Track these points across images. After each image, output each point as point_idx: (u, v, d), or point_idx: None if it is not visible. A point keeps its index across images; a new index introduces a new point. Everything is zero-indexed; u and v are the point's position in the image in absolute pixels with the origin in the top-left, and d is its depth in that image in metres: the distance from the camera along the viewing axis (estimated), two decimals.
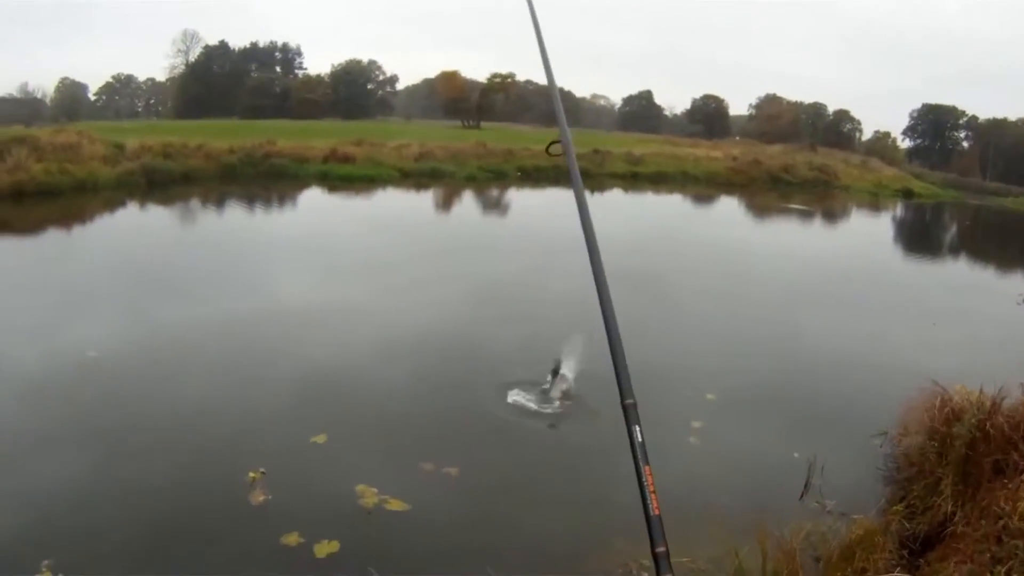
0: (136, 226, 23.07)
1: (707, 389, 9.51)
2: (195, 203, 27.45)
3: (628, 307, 12.23)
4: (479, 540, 6.31)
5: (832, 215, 35.64)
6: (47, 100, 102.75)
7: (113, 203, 25.58)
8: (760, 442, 8.28)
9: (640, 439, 2.51)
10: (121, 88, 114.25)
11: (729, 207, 34.34)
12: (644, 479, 2.40)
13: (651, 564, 2.24)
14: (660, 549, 2.25)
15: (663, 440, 8.13)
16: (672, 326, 12.60)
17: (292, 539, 5.98)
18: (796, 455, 7.60)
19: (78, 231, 21.72)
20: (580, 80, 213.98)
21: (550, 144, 3.74)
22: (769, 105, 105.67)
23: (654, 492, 2.34)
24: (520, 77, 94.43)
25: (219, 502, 6.65)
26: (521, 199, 32.81)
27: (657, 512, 2.30)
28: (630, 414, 2.58)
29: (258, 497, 6.61)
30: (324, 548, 5.89)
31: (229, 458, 7.38)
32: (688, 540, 5.68)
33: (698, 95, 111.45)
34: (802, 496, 6.89)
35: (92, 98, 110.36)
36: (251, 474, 6.93)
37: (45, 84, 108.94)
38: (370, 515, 6.48)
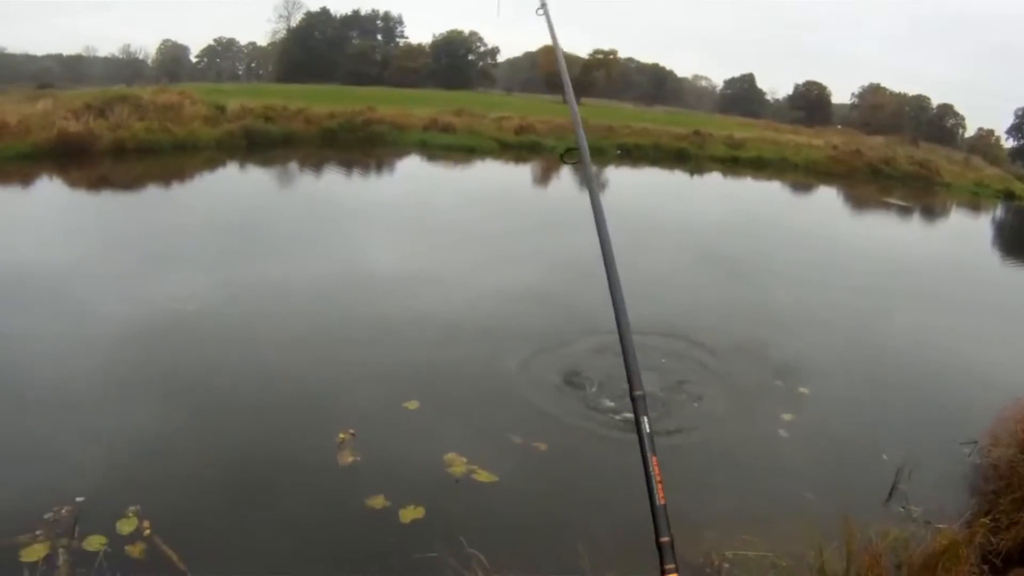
0: (235, 185, 23.66)
1: (800, 382, 9.35)
2: (294, 166, 27.90)
3: (724, 290, 12.16)
4: (565, 515, 6.30)
5: (932, 212, 34.55)
6: (149, 61, 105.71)
7: (213, 163, 26.17)
8: (850, 440, 8.10)
9: (648, 430, 2.56)
10: (222, 51, 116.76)
11: (828, 197, 33.57)
12: (651, 469, 2.46)
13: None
14: (664, 539, 2.31)
15: (753, 430, 8.08)
16: (767, 315, 12.38)
17: (378, 502, 6.04)
18: (885, 457, 7.43)
19: (178, 188, 22.31)
20: (682, 59, 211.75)
21: (565, 151, 3.80)
22: (872, 95, 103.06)
23: (660, 482, 2.40)
24: (622, 54, 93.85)
25: (307, 460, 6.75)
26: (619, 177, 32.54)
27: (663, 502, 2.36)
28: (639, 405, 2.63)
29: (346, 458, 6.71)
30: (409, 513, 5.93)
31: (319, 417, 7.49)
32: (772, 534, 5.61)
33: (801, 81, 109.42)
34: (888, 499, 6.73)
35: (193, 60, 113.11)
36: (341, 435, 7.03)
37: (147, 45, 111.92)
38: (457, 484, 6.52)
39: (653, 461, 2.42)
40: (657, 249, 16.42)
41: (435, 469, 6.70)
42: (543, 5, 4.26)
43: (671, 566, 2.25)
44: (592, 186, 3.17)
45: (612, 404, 7.92)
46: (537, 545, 5.76)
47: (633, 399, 2.60)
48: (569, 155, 3.62)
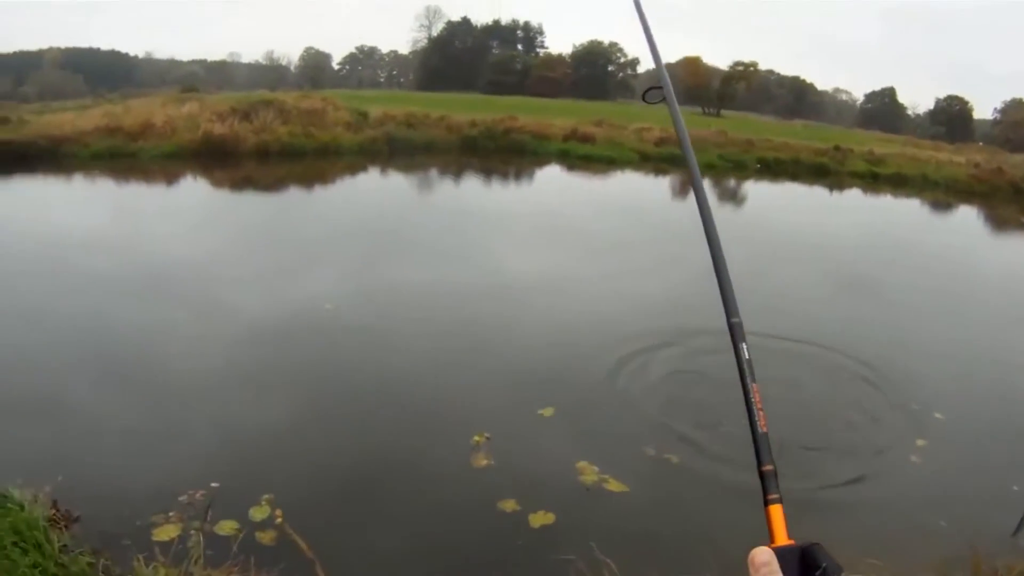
0: (376, 190, 24.22)
1: (935, 407, 8.94)
2: (435, 172, 28.38)
3: (862, 316, 11.75)
4: (694, 530, 6.17)
5: None
6: (292, 67, 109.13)
7: (355, 167, 26.87)
8: (981, 470, 7.69)
9: (747, 356, 2.31)
10: (364, 59, 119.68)
11: (968, 217, 32.12)
12: (751, 396, 2.24)
13: None
14: (768, 467, 2.08)
15: (885, 455, 7.76)
16: (905, 338, 11.89)
17: (509, 505, 6.05)
18: (1016, 488, 7.05)
19: (320, 191, 22.93)
20: (822, 72, 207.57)
21: (647, 90, 3.52)
22: (1015, 110, 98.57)
23: (761, 409, 2.15)
24: (762, 66, 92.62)
25: (441, 460, 6.83)
26: (758, 191, 31.95)
27: (764, 429, 2.12)
28: (736, 332, 2.38)
29: (480, 460, 6.73)
30: (539, 518, 5.91)
31: (455, 420, 7.58)
32: (898, 558, 5.37)
33: (942, 95, 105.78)
34: (1016, 533, 6.37)
35: (335, 67, 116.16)
36: (476, 437, 7.05)
37: (290, 52, 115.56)
38: (588, 492, 6.46)
39: (753, 389, 2.23)
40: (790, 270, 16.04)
41: (567, 476, 6.64)
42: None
43: (775, 496, 2.03)
44: (679, 123, 3.00)
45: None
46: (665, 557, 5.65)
47: (730, 326, 2.37)
48: (651, 94, 3.38)
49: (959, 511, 6.70)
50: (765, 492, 2.11)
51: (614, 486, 6.53)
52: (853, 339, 11.08)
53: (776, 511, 2.02)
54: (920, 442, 7.98)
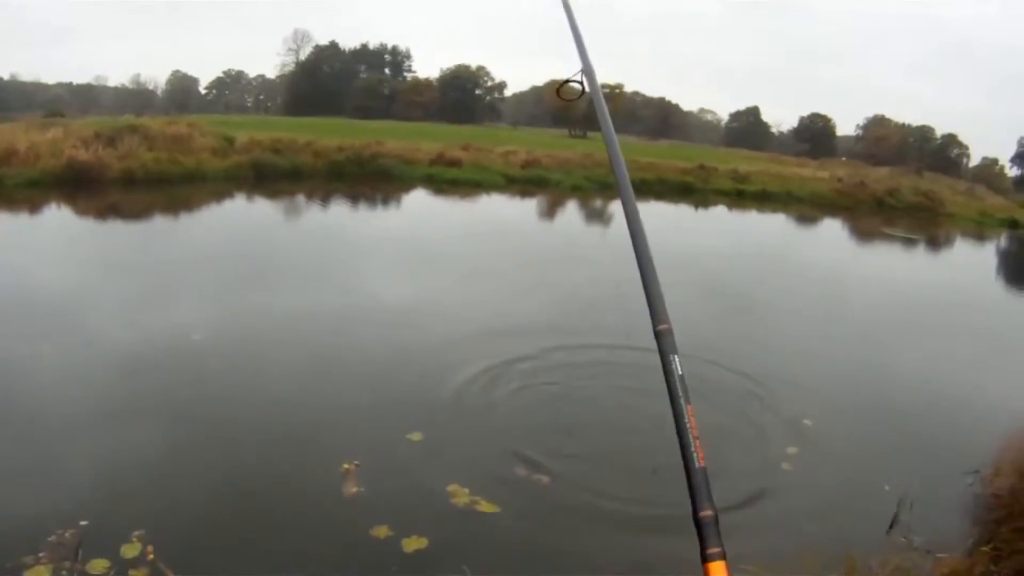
0: (243, 217, 23.89)
1: (804, 414, 9.38)
2: (301, 199, 28.11)
3: (731, 327, 12.24)
4: (567, 546, 6.34)
5: (935, 243, 34.50)
6: (158, 92, 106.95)
7: (221, 194, 26.45)
8: (852, 472, 8.12)
9: (679, 372, 2.05)
10: (231, 83, 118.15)
11: (832, 229, 33.56)
12: (685, 420, 1.95)
13: None
14: (706, 512, 1.84)
15: (758, 463, 8.10)
16: (771, 347, 12.41)
17: (382, 532, 6.10)
18: (887, 487, 7.46)
19: (186, 219, 22.52)
20: (688, 94, 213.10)
21: (562, 84, 3.11)
22: (876, 126, 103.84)
23: (697, 438, 1.93)
24: (628, 88, 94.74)
25: (311, 490, 6.84)
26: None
27: (702, 464, 1.90)
28: (664, 341, 2.14)
29: (351, 488, 6.78)
30: (412, 543, 5.98)
31: (323, 448, 7.58)
32: (774, 565, 5.64)
33: (805, 113, 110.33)
34: (890, 529, 6.75)
35: (202, 92, 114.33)
36: (345, 465, 7.10)
37: (157, 76, 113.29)
38: (460, 514, 6.57)
39: (688, 411, 1.96)
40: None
41: (438, 499, 6.75)
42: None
43: (715, 549, 1.78)
44: (601, 107, 2.81)
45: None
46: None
47: (657, 334, 2.16)
48: (567, 90, 3.06)
49: (834, 513, 7.07)
50: (703, 544, 1.82)
51: (486, 507, 6.65)
52: (728, 350, 11.49)
53: (718, 570, 1.77)
54: (791, 449, 8.35)
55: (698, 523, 1.83)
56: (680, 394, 2.01)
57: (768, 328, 13.83)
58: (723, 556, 1.78)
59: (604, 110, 2.87)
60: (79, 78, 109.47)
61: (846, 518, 6.96)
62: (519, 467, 7.43)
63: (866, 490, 7.60)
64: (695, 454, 1.91)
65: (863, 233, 33.28)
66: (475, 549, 6.06)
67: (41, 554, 5.34)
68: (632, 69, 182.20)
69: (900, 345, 13.81)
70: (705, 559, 1.78)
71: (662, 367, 2.07)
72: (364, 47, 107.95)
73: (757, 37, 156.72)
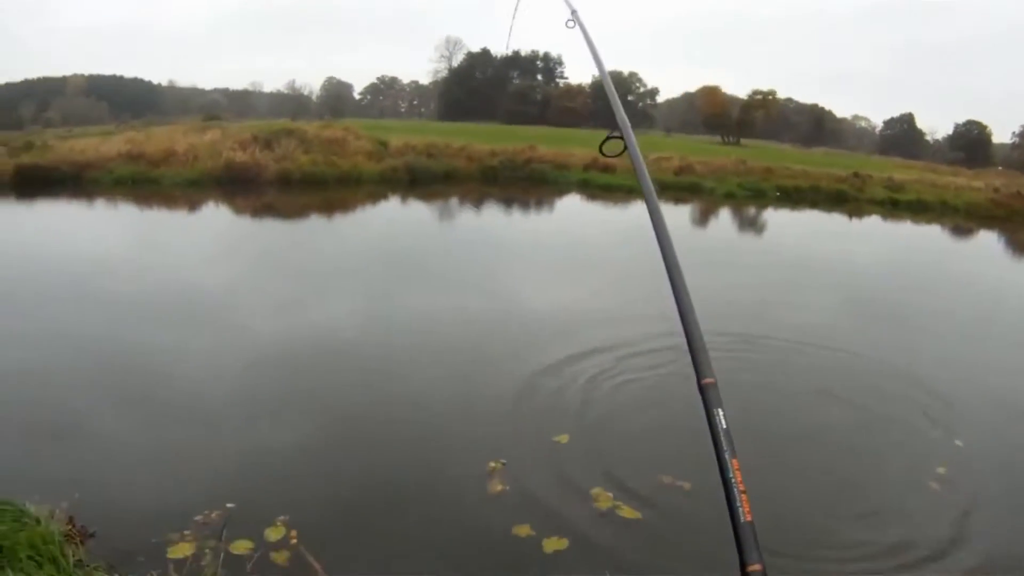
0: (397, 219, 24.29)
1: (956, 434, 8.85)
2: (455, 202, 28.52)
3: (889, 342, 11.68)
4: (710, 551, 6.13)
5: None
6: (313, 97, 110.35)
7: (376, 196, 27.12)
8: (997, 497, 7.61)
9: (724, 425, 2.09)
10: (385, 89, 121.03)
11: (989, 241, 31.76)
12: (731, 475, 1.99)
13: None
14: (755, 566, 1.87)
15: (905, 478, 7.67)
16: (929, 367, 11.76)
17: (523, 530, 6.02)
18: None
19: (340, 220, 23.08)
20: (840, 100, 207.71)
21: (605, 140, 3.21)
22: None
23: (744, 492, 1.95)
24: (781, 95, 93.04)
25: (456, 486, 6.81)
26: (778, 219, 31.81)
27: (749, 519, 1.92)
28: (709, 395, 2.16)
29: (496, 487, 6.72)
30: (552, 544, 5.88)
31: (470, 447, 7.56)
32: None
33: (961, 120, 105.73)
34: None
35: (356, 97, 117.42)
36: (491, 463, 7.06)
37: (312, 82, 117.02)
38: (602, 518, 6.44)
39: (734, 465, 1.99)
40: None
41: (581, 501, 6.62)
42: (573, 13, 3.86)
43: None
44: (639, 166, 2.80)
45: None
46: None
47: (701, 388, 2.16)
48: (611, 145, 3.11)
49: (978, 541, 6.59)
50: None
51: (627, 512, 6.47)
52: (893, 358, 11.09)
53: None
54: (940, 469, 7.92)
55: None
56: (725, 448, 2.04)
57: (928, 348, 13.09)
58: None
59: (641, 164, 2.94)
60: (235, 84, 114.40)
61: (989, 546, 6.46)
62: (663, 475, 7.23)
63: (1010, 518, 7.09)
64: (741, 508, 1.93)
65: (1020, 245, 31.45)
66: (615, 553, 5.90)
67: (187, 532, 5.48)
68: (781, 75, 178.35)
69: None
70: None
71: (707, 421, 2.08)
72: (516, 54, 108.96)
73: (905, 41, 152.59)
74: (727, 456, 2.01)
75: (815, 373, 10.46)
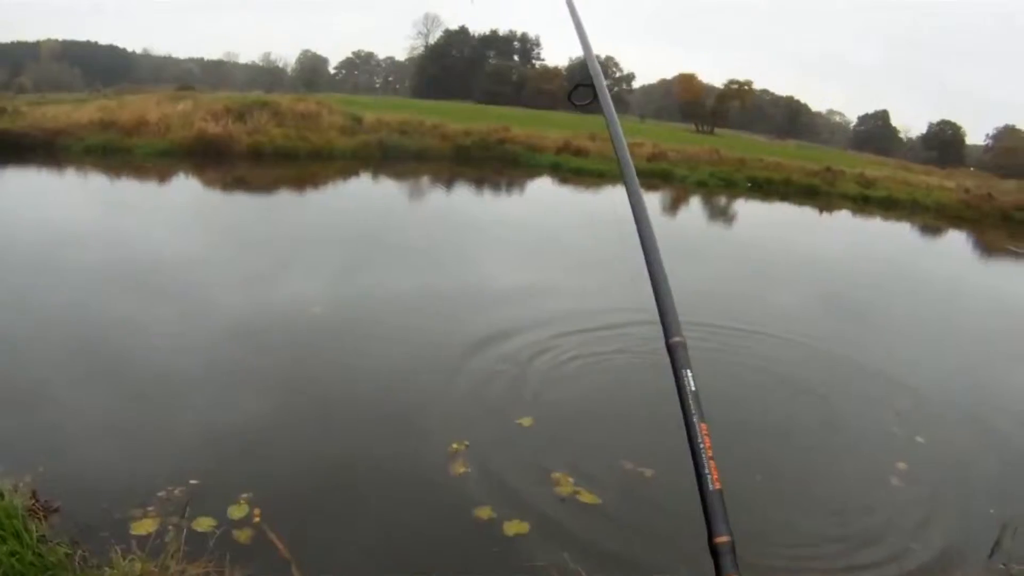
0: (367, 195, 24.26)
1: (917, 431, 9.00)
2: (426, 180, 28.49)
3: (857, 342, 11.84)
4: (666, 539, 6.21)
5: None
6: (288, 70, 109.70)
7: (347, 171, 27.07)
8: (959, 492, 7.75)
9: (692, 387, 1.96)
10: (361, 64, 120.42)
11: (958, 241, 31.98)
12: (700, 441, 1.86)
13: None
14: (722, 538, 1.75)
15: (866, 475, 7.81)
16: (890, 364, 11.91)
17: (484, 513, 6.10)
18: (992, 511, 7.11)
19: (311, 194, 23.03)
20: (815, 93, 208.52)
21: (574, 88, 3.11)
22: (1007, 137, 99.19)
23: (712, 459, 1.83)
24: (757, 85, 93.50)
25: (419, 467, 6.87)
26: (748, 210, 31.93)
27: (718, 487, 1.81)
28: (677, 355, 2.04)
29: (458, 468, 6.79)
30: (513, 527, 5.96)
31: (434, 428, 7.59)
32: None
33: (935, 119, 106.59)
34: (991, 555, 6.43)
35: (332, 71, 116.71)
36: (454, 445, 7.13)
37: (287, 54, 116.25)
38: (562, 503, 6.51)
39: (702, 430, 1.86)
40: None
41: (542, 486, 6.70)
42: None
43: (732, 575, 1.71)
44: (613, 122, 2.74)
45: None
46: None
47: (669, 348, 2.06)
48: (578, 94, 3.03)
49: (937, 534, 6.71)
50: (719, 572, 1.76)
51: (587, 498, 6.54)
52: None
53: None
54: (901, 465, 8.05)
55: (714, 550, 1.75)
56: (694, 411, 1.92)
57: (893, 345, 13.22)
58: None
59: (613, 113, 2.92)
60: (210, 54, 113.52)
61: (949, 540, 6.60)
62: (625, 461, 7.32)
63: (971, 512, 7.22)
64: (709, 475, 1.83)
65: (985, 247, 31.66)
66: (574, 538, 5.97)
67: (150, 508, 5.52)
68: (759, 65, 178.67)
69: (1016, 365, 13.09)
70: None
71: (675, 382, 1.97)
72: (494, 33, 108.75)
73: (883, 31, 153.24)
74: (695, 419, 1.91)
75: (776, 364, 10.59)
